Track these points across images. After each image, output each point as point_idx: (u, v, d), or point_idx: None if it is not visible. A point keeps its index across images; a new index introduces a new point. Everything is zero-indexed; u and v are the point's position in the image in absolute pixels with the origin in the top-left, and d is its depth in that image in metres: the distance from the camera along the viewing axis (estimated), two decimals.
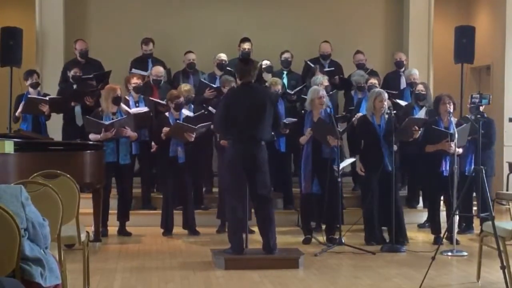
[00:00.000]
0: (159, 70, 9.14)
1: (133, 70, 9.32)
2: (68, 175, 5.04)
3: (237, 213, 6.60)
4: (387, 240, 7.44)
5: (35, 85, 8.83)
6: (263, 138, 6.60)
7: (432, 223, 7.86)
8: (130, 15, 10.58)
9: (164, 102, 8.70)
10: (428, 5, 10.87)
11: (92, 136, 7.71)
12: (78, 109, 8.98)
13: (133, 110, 8.24)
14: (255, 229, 7.72)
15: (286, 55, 9.75)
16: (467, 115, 8.05)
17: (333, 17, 10.93)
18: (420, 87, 8.67)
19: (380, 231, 7.57)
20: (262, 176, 6.58)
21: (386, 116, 7.42)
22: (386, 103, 7.48)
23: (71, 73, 9.16)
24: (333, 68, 9.65)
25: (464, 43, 9.87)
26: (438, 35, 11.25)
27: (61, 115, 9.19)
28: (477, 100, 6.20)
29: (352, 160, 7.99)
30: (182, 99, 8.09)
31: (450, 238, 7.31)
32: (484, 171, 5.86)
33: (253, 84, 6.78)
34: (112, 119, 7.73)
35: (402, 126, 7.50)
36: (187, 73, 9.58)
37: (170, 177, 8.02)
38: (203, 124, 7.99)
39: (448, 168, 7.53)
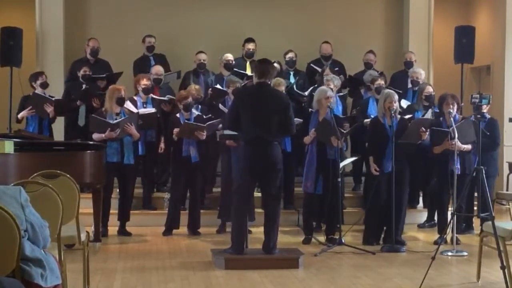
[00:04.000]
0: (158, 69, 9.17)
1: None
2: (68, 175, 5.04)
3: (241, 213, 6.62)
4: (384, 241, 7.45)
5: (44, 85, 8.80)
6: (276, 139, 6.60)
7: (440, 223, 7.82)
8: (131, 15, 10.58)
9: (165, 99, 8.71)
10: (428, 5, 10.87)
11: (95, 135, 7.71)
12: (82, 109, 8.97)
13: (140, 110, 8.26)
14: (254, 229, 7.74)
15: (290, 54, 9.76)
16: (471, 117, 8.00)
17: (333, 17, 10.92)
18: (429, 89, 8.65)
19: (381, 232, 7.56)
20: (275, 175, 6.57)
21: (399, 117, 7.43)
22: (397, 104, 7.48)
23: (80, 72, 9.14)
24: (337, 68, 9.65)
25: (464, 43, 9.87)
26: (438, 35, 11.25)
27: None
28: (477, 100, 6.19)
29: (353, 159, 7.99)
30: (190, 99, 8.09)
31: (450, 238, 7.30)
32: (484, 171, 5.86)
33: (267, 85, 6.74)
34: (116, 119, 7.74)
35: (409, 129, 7.48)
36: (197, 73, 9.60)
37: (182, 177, 8.02)
38: (212, 122, 8.00)
39: (459, 166, 7.51)
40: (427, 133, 7.55)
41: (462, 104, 9.45)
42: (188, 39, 10.42)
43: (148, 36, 9.78)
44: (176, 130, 7.91)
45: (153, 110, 8.41)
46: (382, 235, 7.51)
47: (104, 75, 9.19)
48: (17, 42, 9.45)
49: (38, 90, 8.75)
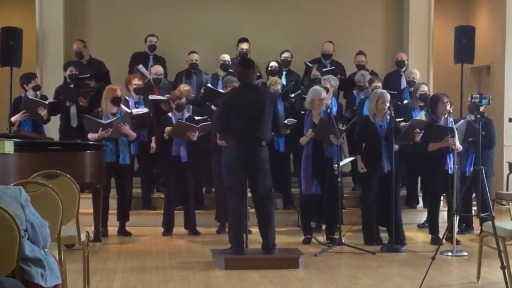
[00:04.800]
0: (158, 69, 9.17)
1: (140, 67, 9.28)
2: (68, 175, 5.04)
3: (238, 213, 6.61)
4: (384, 241, 7.44)
5: (37, 88, 8.79)
6: (264, 139, 6.60)
7: (431, 223, 7.84)
8: (130, 15, 10.58)
9: (165, 98, 8.71)
10: (428, 5, 10.86)
11: (90, 135, 7.73)
12: (73, 109, 8.96)
13: (133, 111, 8.25)
14: (253, 229, 7.74)
15: (286, 54, 9.75)
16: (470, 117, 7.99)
17: (333, 17, 10.92)
18: (424, 88, 8.66)
19: (377, 232, 7.57)
20: (263, 176, 6.59)
21: (388, 117, 7.42)
22: (389, 104, 7.48)
23: (67, 72, 9.16)
24: (333, 67, 9.64)
25: (464, 43, 9.87)
26: (438, 35, 11.25)
27: (58, 116, 9.17)
28: (477, 100, 6.19)
29: (351, 158, 7.99)
30: (184, 99, 8.10)
31: (450, 238, 7.31)
32: (484, 171, 5.86)
33: (253, 84, 6.77)
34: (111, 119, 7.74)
35: (405, 129, 7.47)
36: (189, 73, 9.59)
37: (172, 177, 8.03)
38: (205, 123, 8.00)
39: (452, 166, 7.51)
40: (420, 134, 7.57)
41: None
42: (188, 39, 10.40)
43: (150, 35, 9.80)
44: (168, 128, 7.90)
45: (145, 110, 8.40)
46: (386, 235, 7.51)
47: (88, 75, 9.18)
48: (17, 42, 9.45)
49: (30, 93, 8.71)
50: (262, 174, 6.58)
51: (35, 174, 5.07)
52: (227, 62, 9.47)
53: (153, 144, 8.42)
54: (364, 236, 7.59)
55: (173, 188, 8.07)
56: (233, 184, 6.62)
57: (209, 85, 8.90)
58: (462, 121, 7.66)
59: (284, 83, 9.39)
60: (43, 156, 7.05)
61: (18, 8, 11.41)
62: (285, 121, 8.20)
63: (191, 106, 8.55)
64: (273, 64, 9.38)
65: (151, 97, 8.81)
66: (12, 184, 4.15)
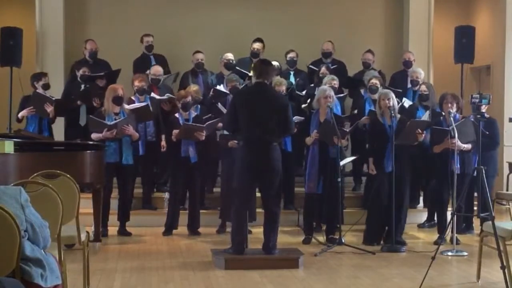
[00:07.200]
0: (157, 69, 9.16)
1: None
2: (68, 175, 5.04)
3: (241, 214, 6.61)
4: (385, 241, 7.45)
5: (46, 86, 8.78)
6: (273, 140, 6.55)
7: (440, 223, 7.82)
8: (131, 15, 10.58)
9: (165, 97, 8.70)
10: (428, 5, 10.87)
11: (94, 135, 7.73)
12: (83, 108, 8.95)
13: (131, 106, 8.22)
14: (253, 229, 7.75)
15: (291, 54, 9.73)
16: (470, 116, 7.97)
17: (333, 17, 10.93)
18: (423, 88, 8.66)
19: (382, 232, 7.56)
20: (274, 177, 6.55)
21: (398, 116, 7.41)
22: (392, 102, 7.45)
23: (79, 73, 9.13)
24: (336, 65, 9.63)
25: (464, 43, 9.88)
26: (438, 35, 11.25)
27: None
28: (477, 100, 6.19)
29: (352, 158, 7.99)
30: (189, 98, 8.09)
31: (450, 238, 7.31)
32: (484, 171, 5.85)
33: (266, 85, 6.71)
34: (115, 119, 7.74)
35: (406, 130, 7.47)
36: (195, 73, 9.58)
37: (181, 177, 8.03)
38: (211, 122, 8.00)
39: (459, 166, 7.50)
40: (424, 134, 7.55)
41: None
42: (189, 39, 10.42)
43: (145, 35, 9.79)
44: (175, 131, 7.90)
45: (143, 103, 8.37)
46: (383, 235, 7.50)
47: (102, 73, 9.18)
48: (17, 42, 9.46)
49: (40, 91, 8.74)
50: (274, 176, 6.54)
51: (35, 174, 5.07)
52: (230, 61, 9.45)
53: (163, 143, 8.43)
54: (366, 235, 7.58)
55: (180, 189, 8.07)
56: (241, 186, 6.60)
57: (218, 87, 8.89)
58: (463, 120, 7.65)
59: (293, 82, 9.40)
60: (43, 156, 7.04)
61: (18, 8, 11.41)
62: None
63: (199, 106, 8.53)
64: (275, 63, 9.35)
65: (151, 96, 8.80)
66: (12, 184, 4.15)
